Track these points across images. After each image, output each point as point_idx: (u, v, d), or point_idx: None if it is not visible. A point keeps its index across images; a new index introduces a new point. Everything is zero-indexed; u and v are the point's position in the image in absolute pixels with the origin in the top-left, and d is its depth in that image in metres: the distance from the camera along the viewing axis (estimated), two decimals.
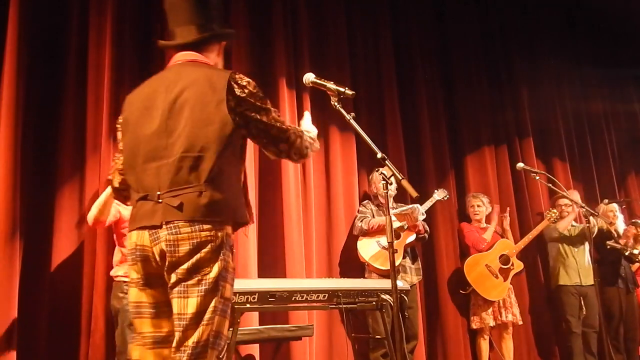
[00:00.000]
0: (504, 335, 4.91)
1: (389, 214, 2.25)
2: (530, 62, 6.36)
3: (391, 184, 2.28)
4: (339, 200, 4.73)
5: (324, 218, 4.68)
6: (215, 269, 1.77)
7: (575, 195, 5.42)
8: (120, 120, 2.01)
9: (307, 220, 4.51)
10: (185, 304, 1.75)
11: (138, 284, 1.85)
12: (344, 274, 4.49)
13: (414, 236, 4.47)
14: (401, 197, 4.71)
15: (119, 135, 2.01)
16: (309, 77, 2.37)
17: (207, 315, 1.75)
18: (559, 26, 6.93)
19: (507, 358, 4.87)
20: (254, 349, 3.90)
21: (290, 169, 4.40)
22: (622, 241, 5.16)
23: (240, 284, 3.02)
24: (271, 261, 4.30)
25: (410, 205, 4.42)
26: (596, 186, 6.38)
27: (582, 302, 5.00)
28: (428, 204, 4.66)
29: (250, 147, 4.29)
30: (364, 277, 4.39)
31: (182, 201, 1.77)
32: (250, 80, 1.93)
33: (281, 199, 4.36)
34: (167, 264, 1.77)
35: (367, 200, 4.72)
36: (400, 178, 2.16)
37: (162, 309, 1.83)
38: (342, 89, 2.28)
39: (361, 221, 4.49)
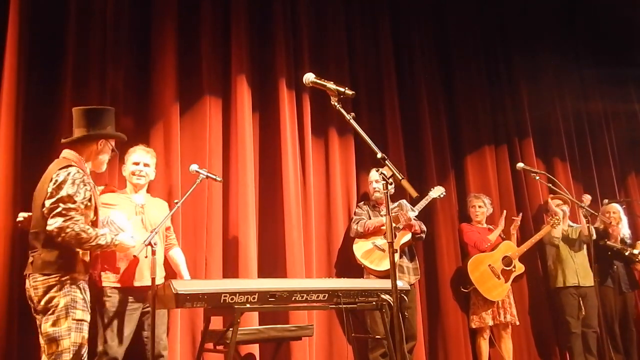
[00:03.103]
0: (503, 335, 4.92)
1: (389, 214, 2.24)
2: (530, 62, 6.35)
3: (391, 184, 2.27)
4: (339, 201, 4.72)
5: (323, 218, 4.67)
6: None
7: (587, 200, 5.52)
8: None
9: (307, 220, 4.51)
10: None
11: None
12: (344, 274, 4.47)
13: (409, 236, 4.46)
14: (399, 197, 4.69)
15: None
16: (309, 77, 2.37)
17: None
18: (559, 26, 6.92)
19: (506, 358, 4.87)
20: (254, 349, 3.91)
21: (290, 170, 4.40)
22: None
23: (240, 284, 3.03)
24: (271, 261, 4.30)
25: (396, 203, 4.40)
26: (596, 186, 6.38)
27: (581, 303, 5.01)
28: (424, 203, 4.65)
29: (251, 147, 4.29)
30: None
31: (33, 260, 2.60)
32: (69, 172, 2.57)
33: (281, 199, 4.35)
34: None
35: (362, 202, 4.72)
36: (400, 178, 2.16)
37: None
38: (342, 89, 2.29)
39: (357, 223, 4.48)
